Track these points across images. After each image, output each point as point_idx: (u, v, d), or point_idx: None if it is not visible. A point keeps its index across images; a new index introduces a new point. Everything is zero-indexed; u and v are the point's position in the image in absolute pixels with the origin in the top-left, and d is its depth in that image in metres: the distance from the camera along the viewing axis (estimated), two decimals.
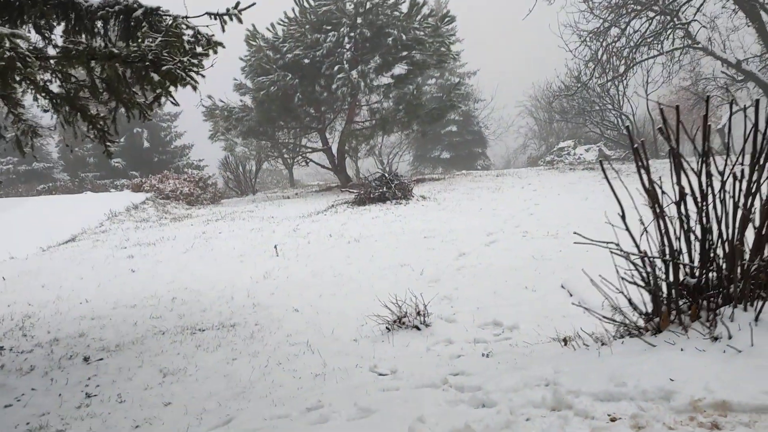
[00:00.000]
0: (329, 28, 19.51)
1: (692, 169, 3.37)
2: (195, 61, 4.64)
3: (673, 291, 3.47)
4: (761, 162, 3.26)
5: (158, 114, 34.72)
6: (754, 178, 3.29)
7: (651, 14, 17.35)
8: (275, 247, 10.09)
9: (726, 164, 3.32)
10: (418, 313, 5.52)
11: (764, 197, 3.28)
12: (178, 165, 35.82)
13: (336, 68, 18.39)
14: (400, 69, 21.01)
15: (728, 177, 3.31)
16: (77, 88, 5.01)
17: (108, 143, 5.18)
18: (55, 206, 17.27)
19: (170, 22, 5.30)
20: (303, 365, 4.85)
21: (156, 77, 4.42)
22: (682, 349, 3.09)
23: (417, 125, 21.50)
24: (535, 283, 6.72)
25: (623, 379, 2.91)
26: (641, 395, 2.76)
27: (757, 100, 3.33)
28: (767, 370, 2.67)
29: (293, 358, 5.06)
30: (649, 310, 3.69)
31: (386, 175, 15.41)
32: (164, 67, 4.42)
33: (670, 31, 17.55)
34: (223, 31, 5.68)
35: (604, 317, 3.86)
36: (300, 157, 25.66)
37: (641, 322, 3.73)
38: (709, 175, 3.37)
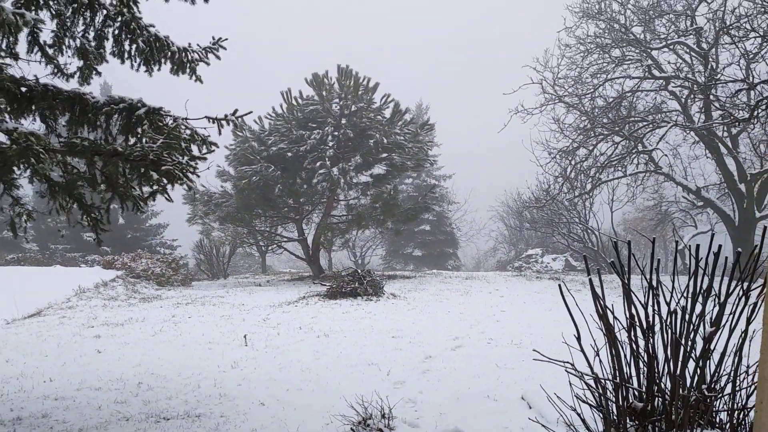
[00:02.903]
0: (314, 125, 20.39)
1: (639, 302, 3.75)
2: (193, 163, 5.00)
3: (621, 414, 3.75)
4: (699, 299, 3.66)
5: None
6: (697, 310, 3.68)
7: (617, 139, 18.47)
8: (245, 336, 10.17)
9: (671, 296, 3.72)
10: (383, 416, 5.66)
11: (706, 333, 3.66)
12: (151, 243, 35.73)
13: (318, 164, 19.08)
14: (379, 169, 21.88)
15: (668, 313, 3.69)
16: (76, 177, 5.31)
17: (99, 231, 5.44)
18: (23, 277, 17.12)
19: (171, 123, 5.72)
20: None
21: (155, 176, 4.75)
22: None
23: (392, 223, 22.11)
24: (497, 392, 6.92)
25: None
26: None
27: (698, 245, 3.77)
28: None
29: None
30: (600, 429, 3.95)
31: (359, 271, 15.74)
32: (164, 167, 4.76)
33: (634, 155, 18.64)
34: (220, 133, 6.09)
35: None
36: (275, 245, 25.92)
37: None
38: (656, 306, 3.75)
